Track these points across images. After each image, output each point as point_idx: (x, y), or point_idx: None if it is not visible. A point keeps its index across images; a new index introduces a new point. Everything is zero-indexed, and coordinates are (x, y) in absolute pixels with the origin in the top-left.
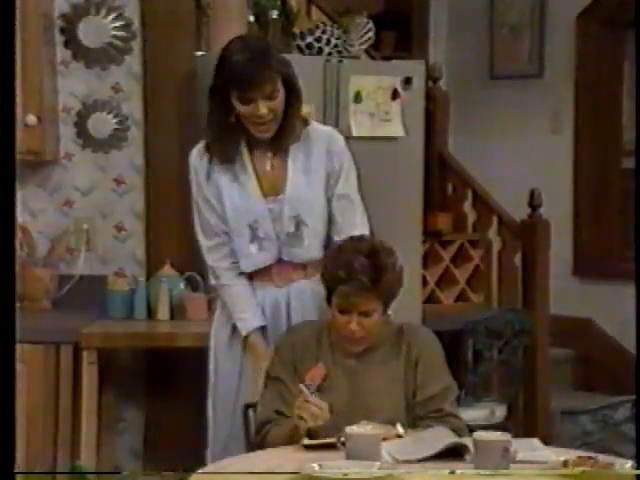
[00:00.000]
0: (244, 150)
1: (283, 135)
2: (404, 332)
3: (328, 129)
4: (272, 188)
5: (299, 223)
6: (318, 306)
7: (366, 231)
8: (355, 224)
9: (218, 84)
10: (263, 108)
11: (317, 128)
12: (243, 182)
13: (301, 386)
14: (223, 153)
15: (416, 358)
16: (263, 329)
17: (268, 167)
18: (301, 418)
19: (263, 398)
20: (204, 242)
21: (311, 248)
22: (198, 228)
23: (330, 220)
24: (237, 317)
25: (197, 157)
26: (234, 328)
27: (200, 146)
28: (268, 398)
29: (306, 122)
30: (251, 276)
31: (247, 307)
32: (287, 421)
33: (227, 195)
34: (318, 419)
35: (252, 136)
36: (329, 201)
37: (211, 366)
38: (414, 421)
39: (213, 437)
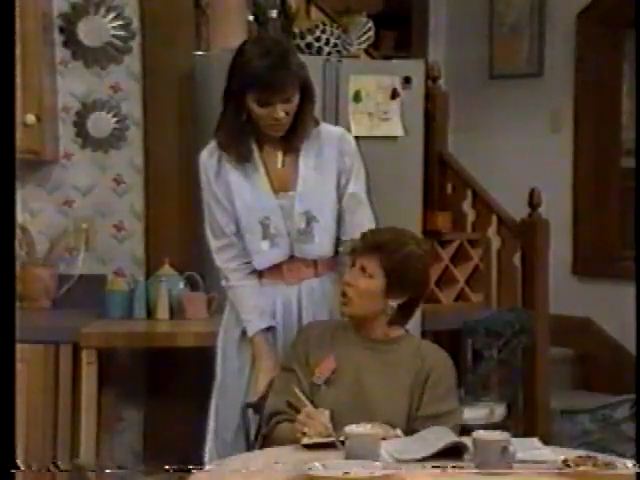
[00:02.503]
0: (254, 147)
1: (295, 134)
2: (421, 349)
3: (339, 129)
4: (283, 185)
5: (310, 219)
6: (328, 305)
7: None
8: (363, 224)
9: (235, 87)
10: (280, 112)
11: (328, 128)
12: (253, 179)
13: (303, 399)
14: (237, 153)
15: (427, 374)
16: (271, 330)
17: (279, 164)
18: (304, 433)
19: (275, 388)
20: (213, 242)
21: (322, 245)
22: (208, 228)
23: (338, 219)
24: (244, 318)
25: (207, 156)
26: (245, 330)
27: (211, 145)
28: (279, 389)
29: (317, 122)
30: (262, 274)
31: (254, 308)
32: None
33: (237, 192)
34: (321, 435)
35: (262, 133)
36: (339, 200)
37: (218, 366)
38: (412, 434)
39: (217, 437)
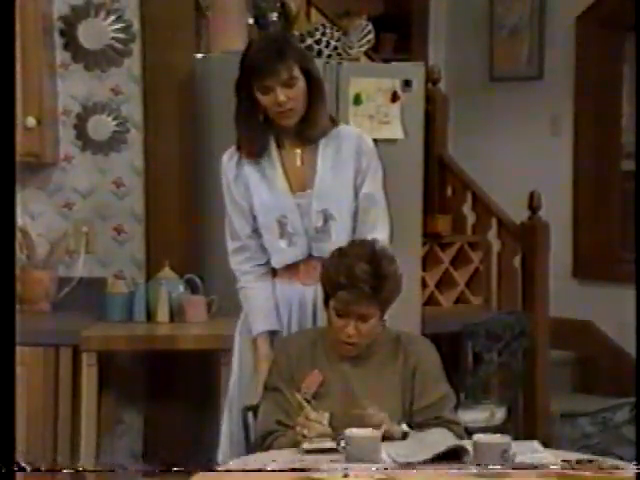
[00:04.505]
0: (273, 146)
1: (308, 125)
2: (401, 341)
3: (358, 130)
4: (300, 183)
5: (327, 217)
6: None
7: (385, 233)
8: (376, 225)
9: (241, 79)
10: (282, 96)
11: (347, 128)
12: (271, 178)
13: (302, 402)
14: (251, 149)
15: (413, 367)
16: (276, 334)
17: (298, 163)
18: (304, 436)
19: (263, 409)
20: (229, 244)
21: (339, 243)
22: (226, 230)
23: (355, 218)
24: (250, 319)
25: (227, 158)
26: None
27: (232, 149)
28: (268, 409)
29: (335, 122)
30: (279, 274)
31: (260, 310)
32: (290, 433)
33: (255, 192)
34: (322, 436)
35: (280, 132)
36: (355, 199)
37: (234, 368)
38: (414, 428)
39: (232, 437)
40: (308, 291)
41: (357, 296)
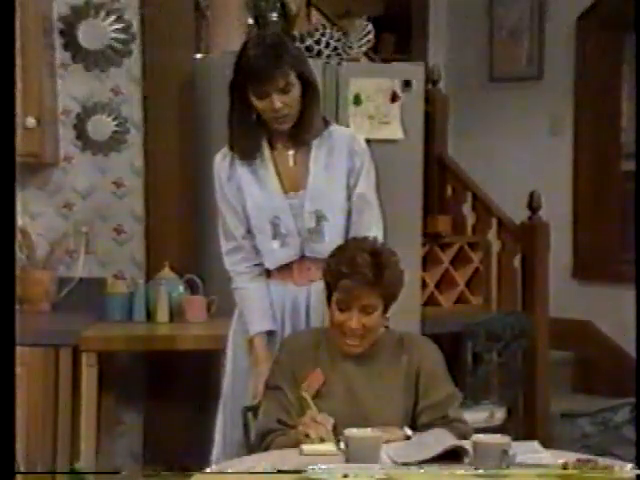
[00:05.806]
0: (265, 147)
1: (302, 129)
2: (404, 342)
3: (350, 130)
4: (293, 184)
5: (320, 218)
6: None
7: (380, 233)
8: (370, 225)
9: (235, 80)
10: (278, 102)
11: (339, 128)
12: (263, 178)
13: (311, 402)
14: (244, 149)
15: (417, 368)
16: (272, 334)
17: (290, 163)
18: (307, 435)
19: (264, 408)
20: (223, 245)
21: (332, 244)
22: (220, 230)
23: (348, 218)
24: (246, 320)
25: (220, 159)
26: None
27: (224, 149)
28: (269, 408)
29: (327, 122)
30: (272, 275)
31: (256, 311)
32: (291, 433)
33: (248, 192)
34: (324, 440)
35: (274, 133)
36: (348, 200)
37: (228, 367)
38: (420, 428)
39: (226, 436)
40: (301, 292)
41: (359, 282)
